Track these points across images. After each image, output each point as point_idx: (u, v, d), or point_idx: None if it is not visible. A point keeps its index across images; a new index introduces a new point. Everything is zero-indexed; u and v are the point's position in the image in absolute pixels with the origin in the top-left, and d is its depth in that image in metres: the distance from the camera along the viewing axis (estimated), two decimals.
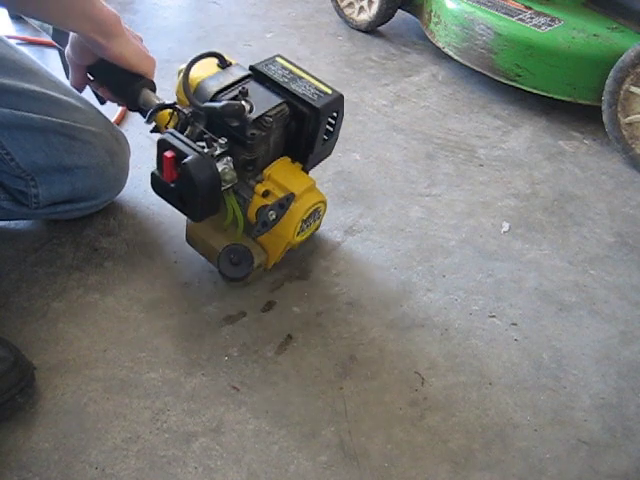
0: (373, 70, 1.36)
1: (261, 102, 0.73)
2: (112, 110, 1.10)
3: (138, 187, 0.96)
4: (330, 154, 0.85)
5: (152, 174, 0.72)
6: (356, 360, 0.76)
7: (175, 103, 0.76)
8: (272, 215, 0.74)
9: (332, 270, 0.87)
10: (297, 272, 0.86)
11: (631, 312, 0.86)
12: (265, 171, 0.76)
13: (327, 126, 0.79)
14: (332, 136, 0.81)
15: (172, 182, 0.70)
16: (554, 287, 0.88)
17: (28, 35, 1.33)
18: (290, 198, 0.75)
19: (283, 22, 1.52)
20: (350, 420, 0.69)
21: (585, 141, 1.21)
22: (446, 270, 0.89)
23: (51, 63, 1.28)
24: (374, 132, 1.16)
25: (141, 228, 0.90)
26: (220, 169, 0.70)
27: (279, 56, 0.80)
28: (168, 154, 0.68)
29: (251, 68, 0.78)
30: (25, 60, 0.82)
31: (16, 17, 1.39)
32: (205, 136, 0.72)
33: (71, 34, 0.76)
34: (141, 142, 1.06)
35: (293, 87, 0.75)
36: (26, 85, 0.78)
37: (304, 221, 0.79)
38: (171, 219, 0.92)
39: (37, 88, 0.79)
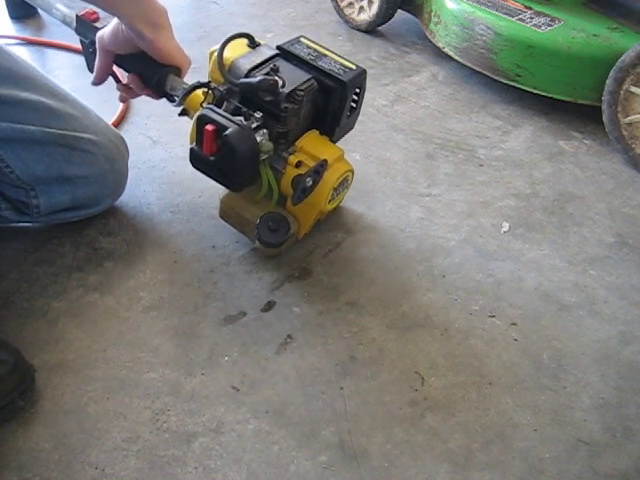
0: (373, 70, 1.36)
1: (291, 78, 0.77)
2: (112, 110, 1.10)
3: (138, 187, 0.96)
4: (353, 127, 0.90)
5: (191, 149, 0.74)
6: (356, 360, 0.76)
7: (209, 82, 0.78)
8: (309, 182, 0.79)
9: (332, 270, 0.87)
10: (297, 272, 0.86)
11: (631, 312, 0.86)
12: (297, 143, 0.80)
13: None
14: (356, 110, 0.85)
15: (212, 155, 0.72)
16: (554, 287, 0.88)
17: (28, 35, 1.33)
18: (324, 164, 0.80)
19: (283, 22, 1.52)
20: (350, 420, 0.69)
21: (585, 141, 1.21)
22: (446, 270, 0.89)
23: (50, 63, 1.28)
24: (374, 132, 1.16)
25: (141, 228, 0.90)
26: (258, 140, 0.73)
27: (302, 36, 0.85)
28: (209, 127, 0.70)
29: (278, 48, 0.82)
30: (20, 66, 0.80)
31: (16, 17, 1.39)
32: (242, 110, 0.74)
33: (114, 20, 0.75)
34: (140, 142, 1.06)
35: (320, 63, 0.80)
36: (23, 94, 0.76)
37: (335, 189, 0.84)
38: (171, 219, 0.92)
39: (34, 96, 0.77)
